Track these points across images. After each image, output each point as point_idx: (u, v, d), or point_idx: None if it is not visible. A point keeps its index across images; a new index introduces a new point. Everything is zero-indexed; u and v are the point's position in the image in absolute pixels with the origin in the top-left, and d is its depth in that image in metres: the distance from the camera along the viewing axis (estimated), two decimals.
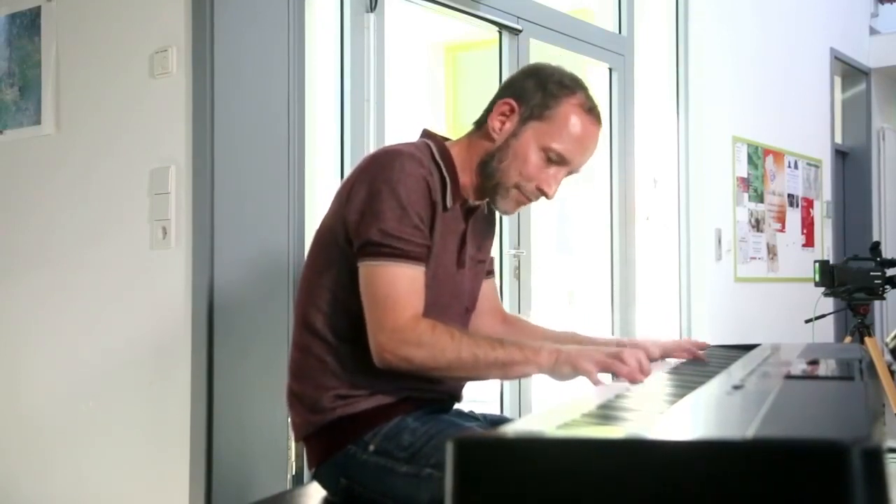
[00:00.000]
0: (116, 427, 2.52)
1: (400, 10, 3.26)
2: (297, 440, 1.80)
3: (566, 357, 1.53)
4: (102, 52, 2.60)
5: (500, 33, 3.60)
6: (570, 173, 1.74)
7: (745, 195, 5.09)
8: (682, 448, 0.72)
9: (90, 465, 2.58)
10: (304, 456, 1.78)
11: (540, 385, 3.68)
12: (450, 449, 0.76)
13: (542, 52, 3.77)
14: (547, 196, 1.72)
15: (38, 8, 2.74)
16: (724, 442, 0.73)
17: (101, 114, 2.60)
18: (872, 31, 6.96)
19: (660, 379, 1.39)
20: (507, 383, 3.57)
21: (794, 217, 5.62)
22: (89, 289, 2.60)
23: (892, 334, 3.89)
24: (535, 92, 1.70)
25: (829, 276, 4.16)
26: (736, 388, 1.04)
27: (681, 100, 4.71)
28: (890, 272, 4.11)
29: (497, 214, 1.92)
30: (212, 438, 2.30)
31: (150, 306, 2.46)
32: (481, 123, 1.76)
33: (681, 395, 1.06)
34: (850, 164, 6.87)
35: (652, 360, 1.64)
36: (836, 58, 6.24)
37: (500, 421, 1.88)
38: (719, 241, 4.81)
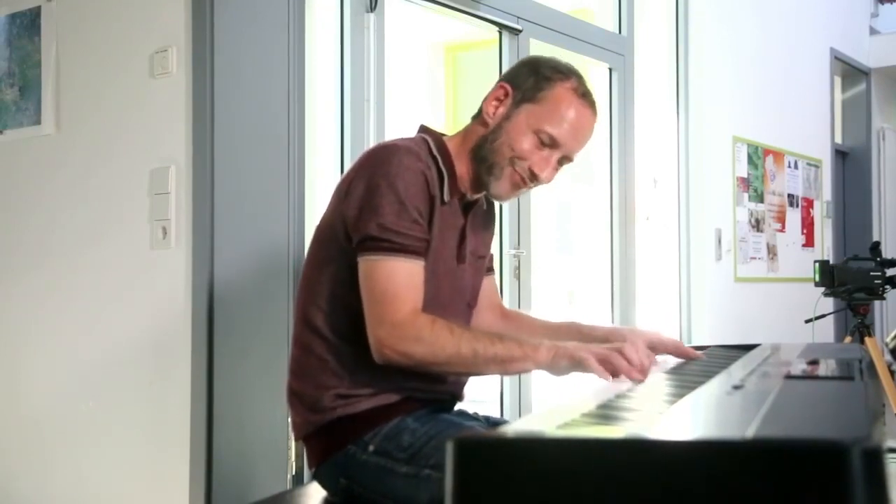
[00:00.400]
0: (116, 427, 2.52)
1: (400, 10, 3.26)
2: (297, 439, 1.80)
3: (564, 352, 1.53)
4: (102, 52, 2.60)
5: (500, 33, 3.60)
6: (563, 159, 1.72)
7: (745, 195, 5.09)
8: (682, 448, 0.72)
9: (90, 465, 2.58)
10: (304, 456, 1.78)
11: (540, 385, 3.68)
12: (450, 449, 0.75)
13: (542, 52, 3.77)
14: (539, 179, 1.70)
15: (38, 8, 2.74)
16: (724, 442, 0.73)
17: (101, 114, 2.60)
18: (872, 31, 6.96)
19: (660, 379, 1.39)
20: (507, 383, 3.57)
21: (794, 217, 5.62)
22: (89, 289, 2.60)
23: (892, 334, 3.90)
24: (528, 76, 1.70)
25: (829, 276, 4.16)
26: (736, 388, 1.04)
27: (681, 100, 4.71)
28: (890, 272, 4.11)
29: (496, 210, 1.92)
30: (212, 438, 2.30)
31: (150, 306, 2.46)
32: (475, 115, 1.77)
33: (681, 395, 1.06)
34: (850, 164, 6.87)
35: (654, 351, 1.63)
36: (836, 58, 6.24)
37: (500, 424, 1.87)
38: (719, 241, 4.81)
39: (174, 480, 2.35)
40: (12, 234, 2.81)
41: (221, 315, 2.33)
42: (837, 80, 6.67)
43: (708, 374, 1.27)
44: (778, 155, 5.44)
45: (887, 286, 4.11)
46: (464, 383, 1.81)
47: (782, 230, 5.47)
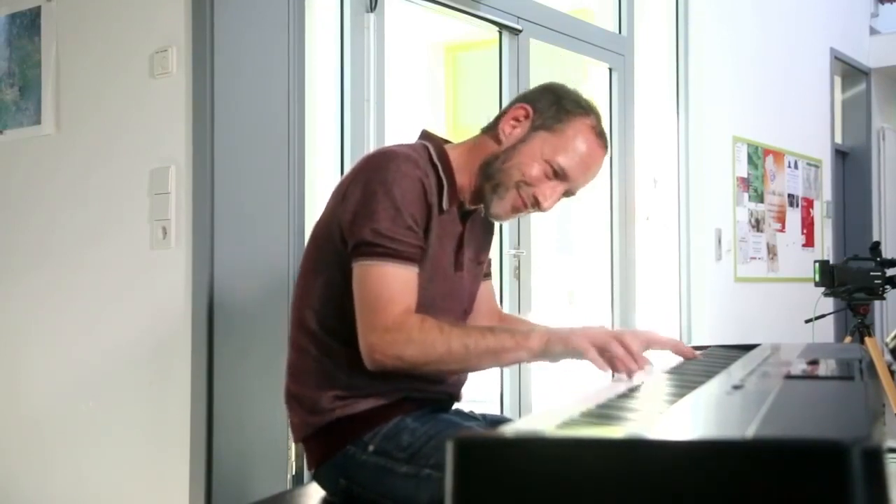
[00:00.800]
0: (116, 427, 2.52)
1: (400, 10, 3.26)
2: (296, 441, 1.79)
3: (557, 337, 1.52)
4: (102, 52, 2.60)
5: (500, 33, 3.60)
6: (567, 193, 1.73)
7: (745, 195, 5.09)
8: (682, 448, 0.72)
9: (90, 465, 2.58)
10: (304, 456, 1.78)
11: (540, 385, 3.68)
12: (450, 449, 0.75)
13: (542, 52, 3.77)
14: (541, 208, 1.70)
15: (38, 8, 2.74)
16: (724, 442, 0.73)
17: (101, 114, 2.60)
18: (872, 31, 6.96)
19: (660, 379, 1.39)
20: (506, 383, 3.57)
21: (794, 217, 5.62)
22: (89, 289, 2.60)
23: (892, 334, 3.90)
24: (550, 104, 1.70)
25: (829, 276, 4.16)
26: (736, 388, 1.04)
27: (681, 100, 4.71)
28: (890, 272, 4.11)
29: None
30: (212, 438, 2.30)
31: (150, 306, 2.46)
32: (487, 129, 1.76)
33: (681, 395, 1.06)
34: (850, 164, 6.87)
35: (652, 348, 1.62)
36: (836, 58, 6.24)
37: (499, 421, 1.87)
38: (719, 241, 4.81)
39: (174, 480, 2.35)
40: (12, 234, 2.81)
41: (221, 315, 2.34)
42: (837, 80, 6.67)
43: (708, 374, 1.27)
44: (778, 155, 5.44)
45: (887, 286, 4.11)
46: (462, 383, 1.80)
47: (782, 230, 5.47)
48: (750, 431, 0.74)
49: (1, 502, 2.76)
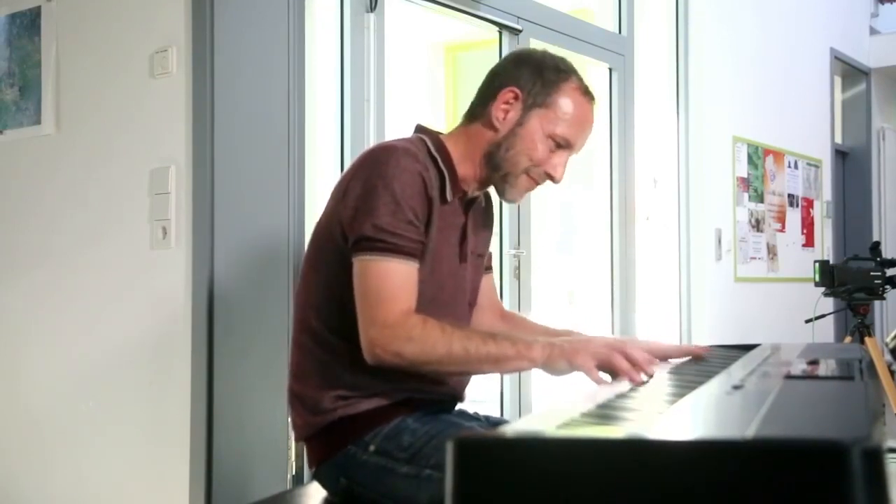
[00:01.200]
0: (116, 427, 2.52)
1: (400, 10, 3.26)
2: (297, 440, 1.80)
3: (560, 352, 1.52)
4: (102, 52, 2.60)
5: (500, 33, 3.60)
6: (571, 154, 1.77)
7: (745, 195, 5.09)
8: (682, 448, 0.72)
9: (90, 465, 2.58)
10: (305, 456, 1.78)
11: (540, 385, 3.68)
12: (450, 449, 0.75)
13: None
14: (555, 180, 1.74)
15: (38, 8, 2.74)
16: (724, 442, 0.73)
17: (101, 114, 2.60)
18: (872, 31, 6.96)
19: (660, 379, 1.39)
20: (507, 383, 3.57)
21: (794, 217, 5.62)
22: (89, 289, 2.60)
23: (892, 334, 3.90)
24: (533, 79, 1.71)
25: (829, 276, 4.16)
26: (736, 388, 1.04)
27: (681, 100, 4.71)
28: (890, 272, 4.11)
29: (494, 207, 1.93)
30: (212, 438, 2.30)
31: (150, 306, 2.46)
32: (477, 114, 1.76)
33: (681, 395, 1.06)
34: (850, 164, 6.87)
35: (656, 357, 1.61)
36: (836, 58, 6.24)
37: (500, 424, 1.87)
38: (719, 241, 4.81)
39: (174, 480, 2.35)
40: (12, 234, 2.81)
41: (221, 315, 2.33)
42: (837, 80, 6.67)
43: (708, 374, 1.27)
44: (778, 155, 5.44)
45: (887, 286, 4.11)
46: (465, 384, 1.80)
47: (782, 230, 5.47)
48: (750, 431, 0.74)
49: (1, 502, 2.76)
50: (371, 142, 2.94)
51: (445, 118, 5.69)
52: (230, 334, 2.35)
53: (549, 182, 1.77)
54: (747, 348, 1.75)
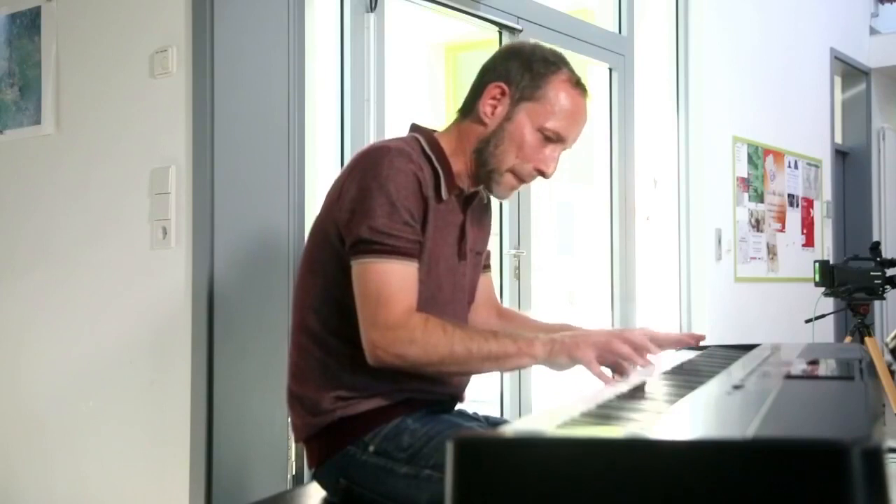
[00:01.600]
0: (117, 427, 2.52)
1: (400, 10, 3.26)
2: (297, 441, 1.79)
3: (561, 346, 1.52)
4: (102, 52, 2.60)
5: (500, 33, 3.60)
6: (563, 149, 1.74)
7: (745, 195, 5.09)
8: (682, 448, 0.72)
9: (90, 465, 2.58)
10: (304, 456, 1.78)
11: (540, 385, 3.68)
12: (450, 449, 0.75)
13: None
14: (545, 175, 1.72)
15: (38, 8, 2.74)
16: (724, 442, 0.73)
17: (101, 114, 2.60)
18: (872, 31, 6.96)
19: (660, 379, 1.39)
20: (507, 383, 3.57)
21: (794, 217, 5.62)
22: (89, 288, 2.60)
23: (892, 334, 3.89)
24: (522, 73, 1.69)
25: (829, 276, 4.16)
26: (736, 388, 1.04)
27: (681, 100, 4.71)
28: (890, 272, 4.11)
29: (493, 204, 1.92)
30: (212, 438, 2.30)
31: (150, 306, 2.46)
32: (468, 110, 1.75)
33: (681, 395, 1.06)
34: (850, 164, 6.87)
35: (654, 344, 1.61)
36: (836, 58, 6.24)
37: (500, 424, 1.87)
38: (719, 241, 4.81)
39: (174, 480, 2.35)
40: (12, 234, 2.81)
41: (221, 315, 2.33)
42: (837, 80, 6.67)
43: (708, 374, 1.27)
44: (778, 155, 5.44)
45: (887, 286, 4.11)
46: (465, 384, 1.80)
47: (782, 230, 5.47)
48: (750, 431, 0.74)
49: (1, 502, 2.76)
50: (371, 142, 2.94)
51: (445, 118, 5.69)
52: (230, 334, 2.35)
53: (540, 178, 1.74)
54: (747, 348, 1.75)
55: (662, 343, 1.66)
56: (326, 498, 1.71)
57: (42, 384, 2.72)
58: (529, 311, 3.62)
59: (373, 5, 2.96)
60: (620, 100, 4.22)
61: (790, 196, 5.59)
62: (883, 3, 7.15)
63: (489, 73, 1.74)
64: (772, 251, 5.33)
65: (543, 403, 3.67)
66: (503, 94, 1.69)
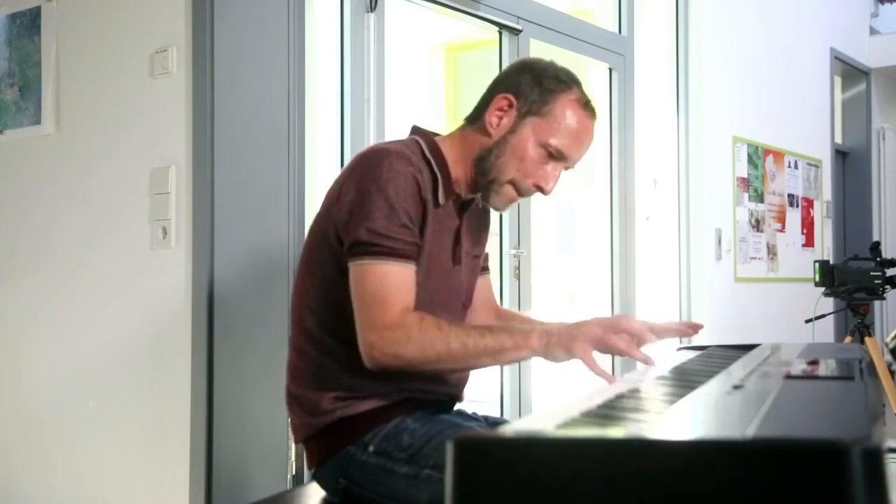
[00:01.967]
0: (117, 427, 2.52)
1: (400, 10, 3.26)
2: (296, 442, 1.79)
3: (558, 340, 1.51)
4: (102, 52, 2.60)
5: (500, 33, 3.60)
6: (565, 169, 1.74)
7: (745, 195, 5.09)
8: (682, 448, 0.72)
9: (90, 465, 2.58)
10: (304, 456, 1.78)
11: (540, 385, 3.68)
12: (450, 449, 0.75)
13: (541, 52, 3.77)
14: (544, 192, 1.72)
15: (38, 8, 2.74)
16: (724, 442, 0.73)
17: (101, 114, 2.60)
18: (872, 31, 6.96)
19: (660, 379, 1.39)
20: (507, 383, 3.57)
21: (794, 217, 5.62)
22: (89, 288, 2.60)
23: (892, 334, 3.89)
24: (531, 88, 1.69)
25: (829, 276, 4.16)
26: (736, 388, 1.04)
27: (681, 100, 4.71)
28: (890, 272, 4.11)
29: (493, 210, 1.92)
30: (212, 438, 2.30)
31: (150, 306, 2.46)
32: (474, 118, 1.75)
33: (681, 395, 1.06)
34: (850, 164, 6.87)
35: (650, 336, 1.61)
36: (836, 58, 6.24)
37: (500, 424, 1.87)
38: (719, 241, 4.81)
39: (174, 480, 2.35)
40: (12, 234, 2.81)
41: (221, 315, 2.33)
42: (837, 80, 6.67)
43: (708, 374, 1.27)
44: (778, 155, 5.44)
45: (887, 286, 4.11)
46: (464, 383, 1.80)
47: (782, 230, 5.47)
48: (750, 431, 0.74)
49: (1, 502, 2.76)
50: (371, 142, 2.94)
51: (445, 118, 5.70)
52: (230, 334, 2.35)
53: (541, 194, 1.74)
54: (747, 348, 1.75)
55: (660, 332, 1.65)
56: (326, 498, 1.71)
57: (42, 384, 2.72)
58: (529, 312, 3.62)
59: (373, 5, 2.96)
60: (620, 100, 4.22)
61: (790, 196, 5.59)
62: (883, 3, 7.16)
63: (500, 85, 1.74)
64: (772, 251, 5.33)
65: (543, 403, 3.67)
66: (510, 105, 1.69)
